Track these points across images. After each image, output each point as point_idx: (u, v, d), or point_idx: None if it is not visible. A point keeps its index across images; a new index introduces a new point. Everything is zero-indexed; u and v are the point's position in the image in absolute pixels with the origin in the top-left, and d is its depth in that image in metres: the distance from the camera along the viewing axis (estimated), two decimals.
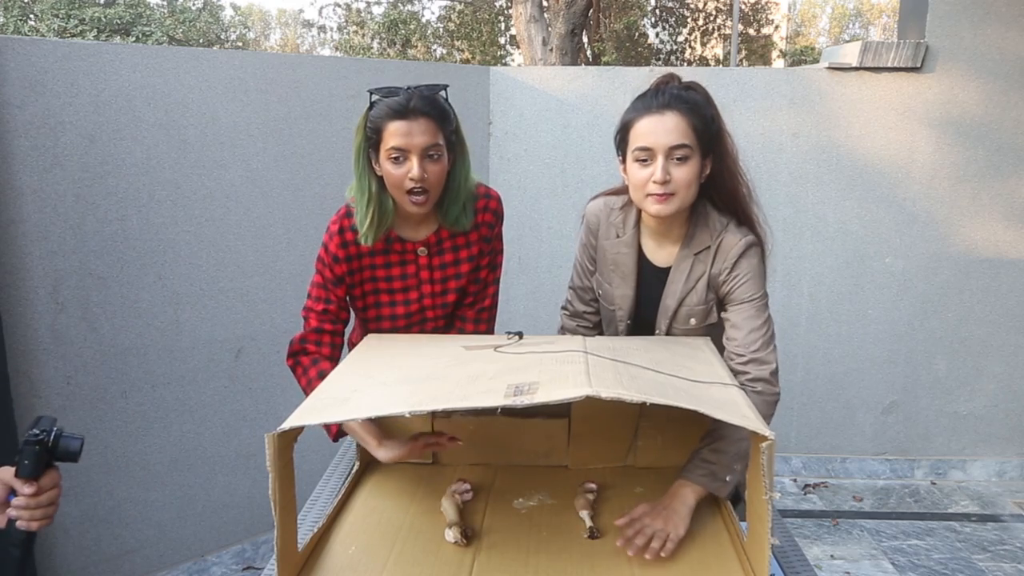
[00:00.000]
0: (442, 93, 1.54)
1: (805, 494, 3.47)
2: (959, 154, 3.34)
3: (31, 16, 16.96)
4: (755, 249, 1.49)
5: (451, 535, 1.23)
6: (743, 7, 15.14)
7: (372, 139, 1.51)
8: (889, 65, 3.26)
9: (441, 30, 15.71)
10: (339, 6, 15.41)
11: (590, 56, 13.35)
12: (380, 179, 1.54)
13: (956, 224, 3.40)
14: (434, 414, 1.50)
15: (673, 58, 15.26)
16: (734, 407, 1.08)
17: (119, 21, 17.07)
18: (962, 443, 3.56)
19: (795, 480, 3.58)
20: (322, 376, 1.53)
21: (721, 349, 1.47)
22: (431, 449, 1.46)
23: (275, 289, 2.83)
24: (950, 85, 3.29)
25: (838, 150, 3.37)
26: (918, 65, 3.26)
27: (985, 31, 3.25)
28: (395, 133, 1.47)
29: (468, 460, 1.53)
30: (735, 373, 1.42)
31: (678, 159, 1.41)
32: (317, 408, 1.10)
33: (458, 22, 14.97)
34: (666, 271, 1.55)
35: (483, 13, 14.35)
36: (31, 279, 2.32)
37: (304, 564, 1.17)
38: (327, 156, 2.89)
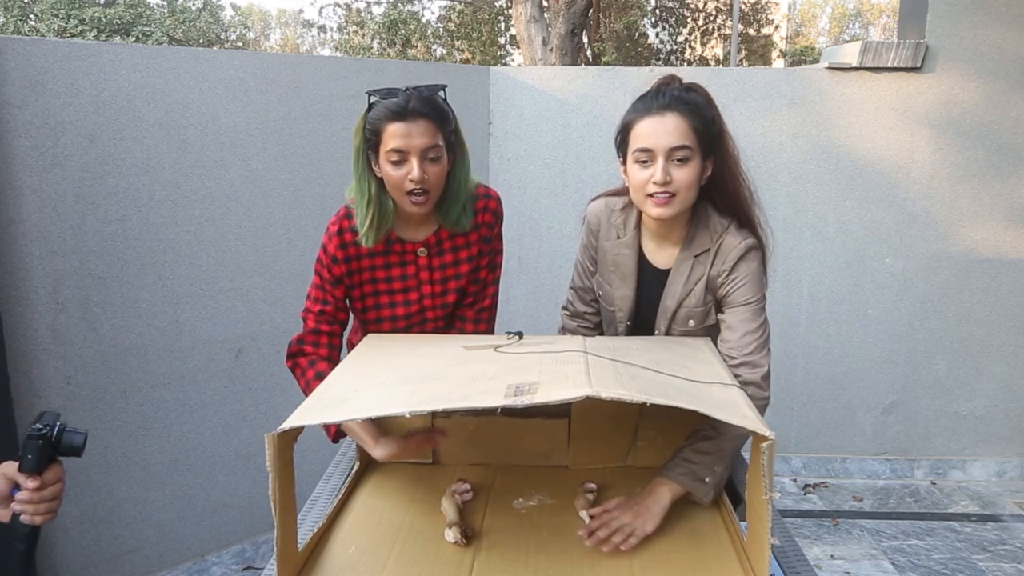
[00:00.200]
0: (441, 94, 1.54)
1: (805, 494, 3.47)
2: (959, 154, 3.34)
3: (31, 16, 16.96)
4: (755, 252, 1.48)
5: (451, 535, 1.23)
6: (743, 7, 15.14)
7: (371, 141, 1.51)
8: (889, 65, 3.26)
9: (441, 30, 15.72)
10: (339, 6, 15.41)
11: (590, 56, 13.35)
12: (380, 180, 1.54)
13: (956, 224, 3.40)
14: (434, 414, 1.50)
15: (673, 58, 15.26)
16: (734, 407, 1.08)
17: (119, 21, 17.07)
18: (962, 443, 3.56)
19: (795, 480, 3.58)
20: (320, 377, 1.53)
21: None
22: (426, 445, 1.47)
23: (275, 289, 2.83)
24: (950, 85, 3.29)
25: (838, 150, 3.37)
26: (918, 65, 3.26)
27: (985, 31, 3.25)
28: (394, 135, 1.46)
29: (468, 460, 1.53)
30: None
31: (678, 160, 1.41)
32: (317, 408, 1.10)
33: (458, 22, 14.97)
34: (666, 272, 1.55)
35: (483, 13, 14.35)
36: (31, 279, 2.32)
37: (304, 564, 1.17)
38: (327, 156, 2.89)
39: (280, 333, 2.84)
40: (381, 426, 1.50)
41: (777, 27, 19.83)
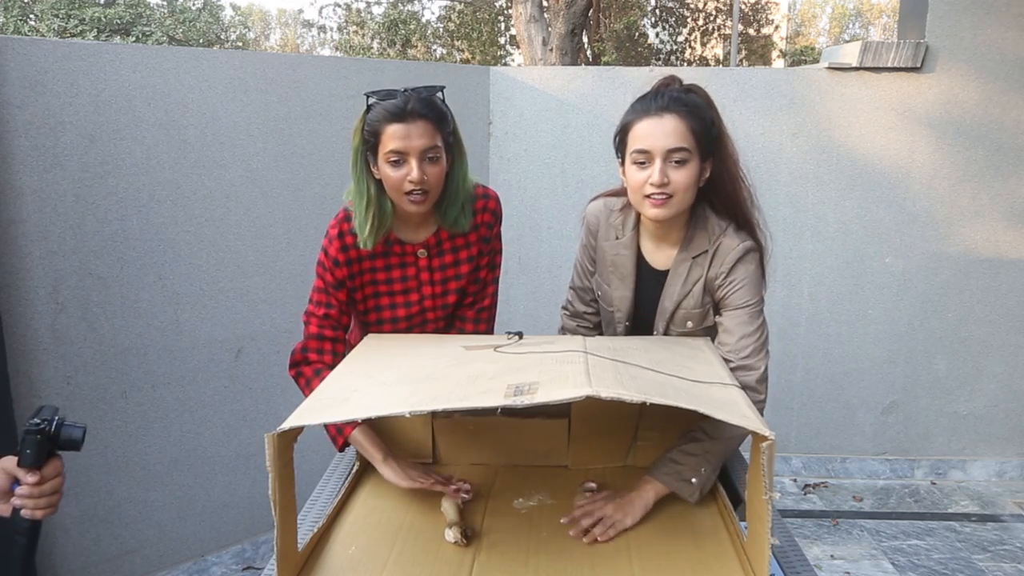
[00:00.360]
0: (439, 94, 1.54)
1: (805, 494, 3.47)
2: (959, 154, 3.34)
3: (31, 16, 16.96)
4: (752, 255, 1.48)
5: (451, 535, 1.23)
6: (743, 7, 15.14)
7: (370, 142, 1.51)
8: (889, 65, 3.26)
9: (441, 30, 15.71)
10: (339, 6, 15.41)
11: (590, 56, 13.35)
12: (378, 182, 1.54)
13: (956, 224, 3.40)
14: (434, 414, 1.50)
15: (673, 58, 15.26)
16: (734, 407, 1.08)
17: (119, 21, 17.07)
18: (962, 443, 3.56)
19: (795, 480, 3.58)
20: None
21: None
22: (437, 489, 1.39)
23: (275, 289, 2.83)
24: (950, 85, 3.29)
25: (838, 150, 3.37)
26: (918, 65, 3.26)
27: (985, 31, 3.25)
28: (393, 136, 1.46)
29: (468, 460, 1.53)
30: None
31: (676, 162, 1.41)
32: (317, 408, 1.10)
33: (458, 22, 14.97)
34: (664, 273, 1.55)
35: (483, 13, 14.35)
36: (31, 279, 2.32)
37: (304, 564, 1.17)
38: (327, 156, 2.89)
39: (280, 333, 2.84)
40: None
41: (777, 27, 19.83)
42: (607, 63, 13.32)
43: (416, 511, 1.35)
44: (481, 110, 3.35)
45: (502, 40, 14.56)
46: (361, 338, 1.61)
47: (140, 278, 2.53)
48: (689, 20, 15.32)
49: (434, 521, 1.30)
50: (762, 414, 1.43)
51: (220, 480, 2.80)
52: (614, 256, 1.59)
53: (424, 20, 15.99)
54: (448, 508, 1.30)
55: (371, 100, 1.51)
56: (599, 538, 1.24)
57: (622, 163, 1.50)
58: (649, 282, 1.57)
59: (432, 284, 1.66)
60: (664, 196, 1.41)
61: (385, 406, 1.08)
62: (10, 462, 1.07)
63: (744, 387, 1.40)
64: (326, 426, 1.54)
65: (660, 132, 1.40)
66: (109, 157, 2.42)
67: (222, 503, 2.82)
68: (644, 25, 15.36)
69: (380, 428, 1.52)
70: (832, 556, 2.95)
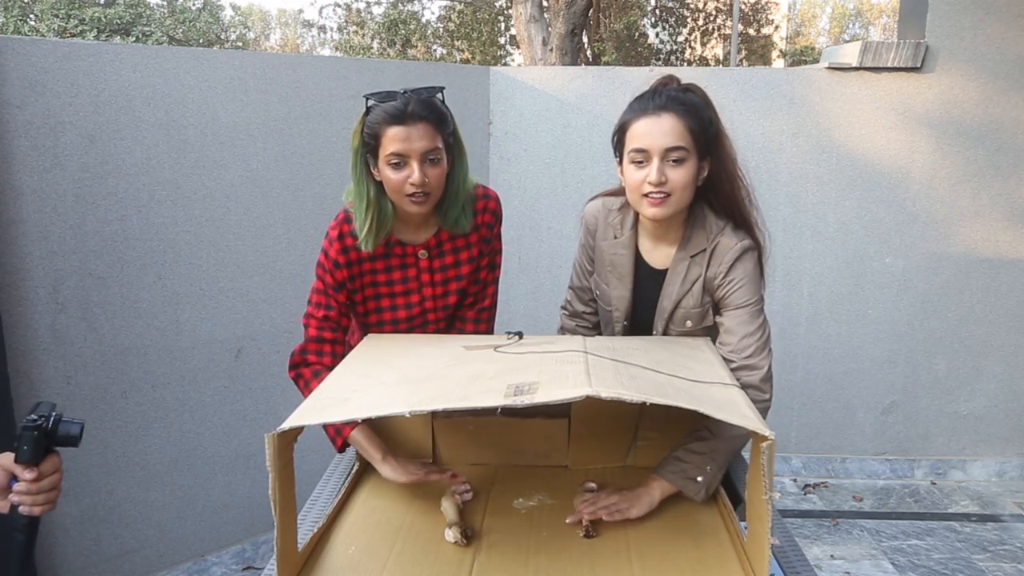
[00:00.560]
0: (439, 95, 1.54)
1: (805, 494, 3.47)
2: (959, 154, 3.34)
3: (31, 16, 16.96)
4: (751, 253, 1.48)
5: (451, 535, 1.23)
6: (743, 7, 15.14)
7: (370, 145, 1.50)
8: (889, 65, 3.26)
9: (441, 30, 15.71)
10: (339, 6, 15.40)
11: (590, 56, 13.34)
12: (378, 184, 1.54)
13: (956, 224, 3.40)
14: (434, 414, 1.50)
15: (673, 58, 15.26)
16: (734, 407, 1.09)
17: (119, 21, 17.08)
18: (962, 443, 3.56)
19: (795, 480, 3.58)
20: None
21: None
22: (437, 479, 1.42)
23: (275, 289, 2.84)
24: (950, 85, 3.29)
25: (838, 150, 3.37)
26: (918, 65, 3.26)
27: (985, 31, 3.25)
28: (394, 139, 1.46)
29: (468, 460, 1.53)
30: None
31: (674, 161, 1.41)
32: (317, 408, 1.10)
33: (458, 22, 14.96)
34: (663, 273, 1.55)
35: (483, 13, 14.34)
36: (31, 279, 2.32)
37: (304, 564, 1.17)
38: (327, 156, 2.89)
39: (280, 333, 2.84)
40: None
41: (777, 27, 19.83)
42: (607, 63, 13.32)
43: (416, 511, 1.35)
44: (481, 110, 3.35)
45: (502, 40, 14.56)
46: (360, 338, 1.61)
47: (140, 278, 2.53)
48: (689, 20, 15.32)
49: (434, 521, 1.30)
50: (767, 414, 1.44)
51: (220, 480, 2.80)
52: (612, 256, 1.59)
53: (424, 20, 15.99)
54: (448, 508, 1.30)
55: (370, 102, 1.50)
56: (604, 516, 1.26)
57: (620, 162, 1.50)
58: (647, 281, 1.57)
59: (433, 285, 1.66)
60: (662, 195, 1.41)
61: (385, 406, 1.08)
62: (7, 458, 1.06)
63: (748, 387, 1.41)
64: (325, 427, 1.54)
65: (658, 131, 1.40)
66: (109, 157, 2.42)
67: (222, 503, 2.82)
68: (644, 25, 15.35)
69: (380, 428, 1.52)
70: (832, 556, 2.95)
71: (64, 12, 16.38)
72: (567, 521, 1.28)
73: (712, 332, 1.54)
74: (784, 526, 1.44)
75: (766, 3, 16.67)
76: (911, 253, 3.42)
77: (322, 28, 16.38)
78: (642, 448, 1.50)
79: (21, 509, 1.05)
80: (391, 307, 1.66)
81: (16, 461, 1.05)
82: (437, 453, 1.54)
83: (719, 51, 16.54)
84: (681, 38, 15.32)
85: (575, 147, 3.40)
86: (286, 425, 1.02)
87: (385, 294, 1.65)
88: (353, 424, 1.49)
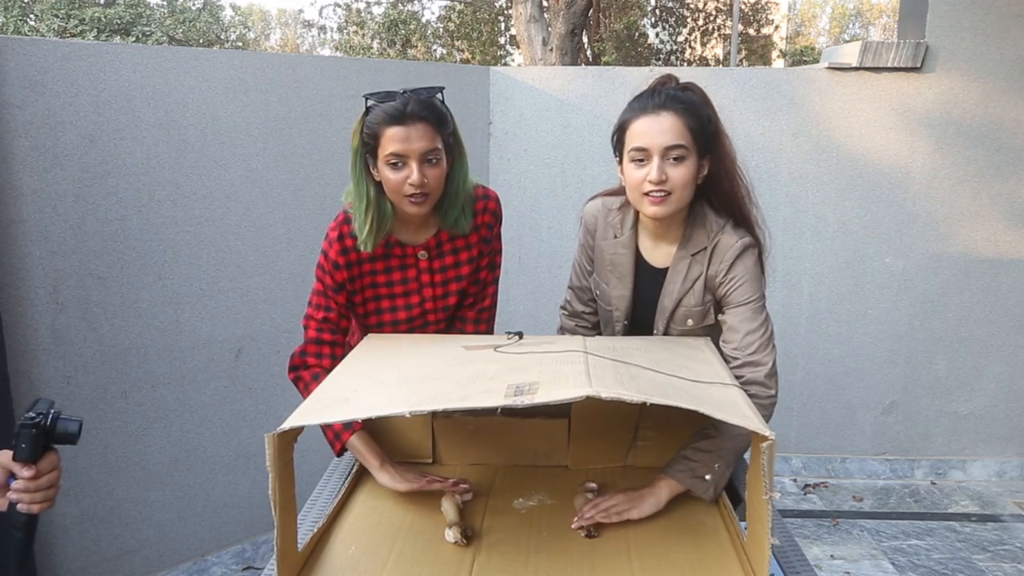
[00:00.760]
0: (439, 96, 1.54)
1: (805, 494, 3.47)
2: (959, 154, 3.34)
3: (31, 16, 16.96)
4: (751, 251, 1.48)
5: (451, 535, 1.23)
6: (743, 7, 15.14)
7: (369, 145, 1.50)
8: (889, 65, 3.26)
9: (441, 30, 15.71)
10: (339, 6, 15.40)
11: (590, 56, 13.34)
12: (378, 184, 1.53)
13: (956, 224, 3.40)
14: (434, 414, 1.50)
15: (673, 58, 15.26)
16: (734, 407, 1.08)
17: (119, 21, 17.08)
18: (962, 443, 3.56)
19: (795, 480, 3.58)
20: None
21: (719, 350, 1.47)
22: (435, 487, 1.40)
23: (275, 289, 2.83)
24: (950, 85, 3.29)
25: (838, 150, 3.37)
26: (918, 65, 3.26)
27: (985, 31, 3.25)
28: (393, 139, 1.46)
29: (468, 460, 1.53)
30: None
31: (674, 159, 1.41)
32: (317, 408, 1.10)
33: (458, 22, 14.96)
34: (663, 272, 1.55)
35: (483, 13, 14.34)
36: (31, 279, 2.32)
37: (304, 564, 1.17)
38: (327, 156, 2.89)
39: (280, 333, 2.84)
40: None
41: (777, 27, 19.83)
42: (607, 63, 13.32)
43: (416, 511, 1.35)
44: (481, 110, 3.35)
45: (502, 40, 14.56)
46: (360, 339, 1.60)
47: (140, 278, 2.53)
48: (689, 20, 15.32)
49: (434, 521, 1.30)
50: (773, 410, 1.44)
51: (220, 480, 2.80)
52: (612, 255, 1.59)
53: (424, 20, 15.98)
54: (448, 508, 1.30)
55: (370, 102, 1.50)
56: (600, 519, 1.26)
57: (620, 161, 1.50)
58: (648, 281, 1.58)
59: (433, 286, 1.66)
60: (663, 193, 1.41)
61: (385, 406, 1.08)
62: (5, 456, 1.06)
63: (753, 383, 1.41)
64: (324, 431, 1.54)
65: (657, 130, 1.41)
66: (109, 157, 2.42)
67: (222, 503, 2.82)
68: (644, 25, 15.35)
69: (380, 428, 1.52)
70: (832, 556, 2.95)
71: (64, 12, 16.38)
72: (572, 526, 1.27)
73: (712, 331, 1.54)
74: (784, 526, 1.44)
75: (766, 3, 16.67)
76: (911, 253, 3.42)
77: (322, 28, 16.39)
78: (642, 448, 1.50)
79: (19, 507, 1.05)
80: (391, 308, 1.66)
81: (14, 459, 1.04)
82: (437, 453, 1.54)
83: (719, 51, 16.54)
84: (681, 38, 15.32)
85: (575, 147, 3.40)
86: (286, 425, 1.02)
87: (385, 295, 1.65)
88: (352, 430, 1.49)
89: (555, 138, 3.40)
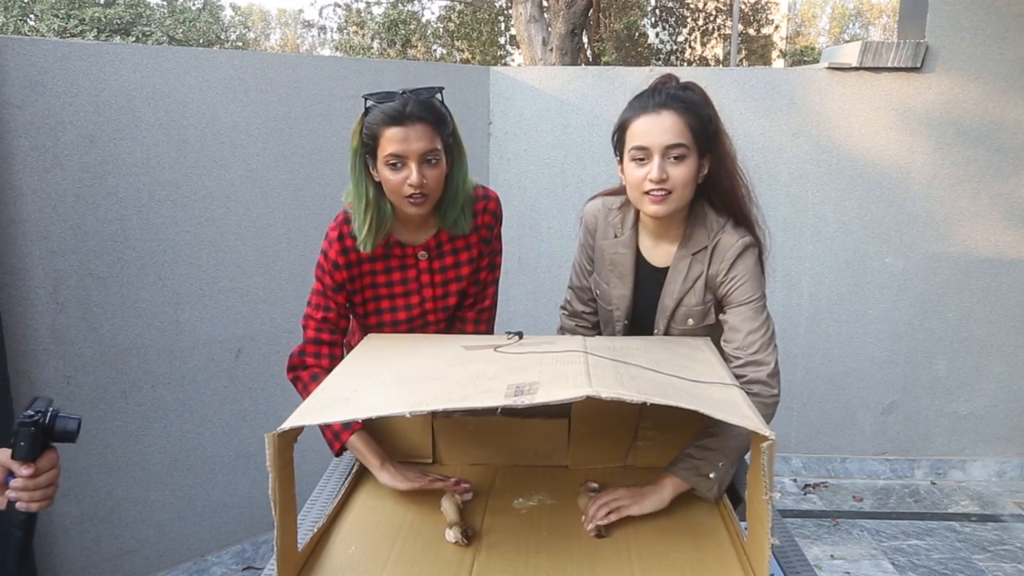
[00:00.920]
0: (438, 96, 1.54)
1: (805, 494, 3.47)
2: (959, 154, 3.34)
3: (31, 16, 16.96)
4: (752, 250, 1.48)
5: (452, 535, 1.23)
6: (743, 7, 15.14)
7: (369, 145, 1.50)
8: (889, 65, 3.26)
9: (441, 30, 15.71)
10: (339, 6, 15.40)
11: (590, 56, 13.34)
12: (377, 184, 1.53)
13: (956, 224, 3.40)
14: (434, 414, 1.50)
15: (673, 58, 15.26)
16: (734, 407, 1.08)
17: (119, 21, 17.08)
18: (962, 443, 3.56)
19: (795, 480, 3.58)
20: None
21: (720, 350, 1.47)
22: (437, 487, 1.40)
23: (275, 289, 2.83)
24: (950, 85, 3.29)
25: (838, 150, 3.37)
26: (918, 65, 3.26)
27: (985, 31, 3.25)
28: (392, 139, 1.45)
29: (468, 460, 1.53)
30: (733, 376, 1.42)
31: (675, 158, 1.41)
32: (317, 408, 1.10)
33: (458, 22, 14.96)
34: (664, 271, 1.55)
35: (483, 13, 14.34)
36: (31, 279, 2.32)
37: (304, 564, 1.17)
38: (327, 156, 2.89)
39: (280, 333, 2.84)
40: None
41: (777, 27, 19.83)
42: (607, 63, 13.32)
43: (416, 511, 1.35)
44: (481, 110, 3.35)
45: (502, 40, 14.56)
46: (360, 339, 1.60)
47: (140, 278, 2.53)
48: (689, 20, 15.32)
49: (434, 521, 1.30)
50: (776, 409, 1.44)
51: (220, 480, 2.80)
52: (613, 255, 1.59)
53: (424, 20, 15.98)
54: (448, 508, 1.30)
55: (369, 103, 1.50)
56: (599, 519, 1.26)
57: (620, 161, 1.50)
58: (648, 280, 1.58)
59: (433, 286, 1.66)
60: (663, 192, 1.42)
61: (385, 406, 1.08)
62: (4, 455, 1.05)
63: (756, 382, 1.41)
64: (323, 431, 1.54)
65: (658, 128, 1.41)
66: (109, 157, 2.42)
67: (222, 503, 2.82)
68: (644, 25, 15.35)
69: (380, 428, 1.52)
70: (832, 556, 2.95)
71: (64, 12, 16.38)
72: (587, 528, 1.27)
73: (713, 331, 1.54)
74: (784, 526, 1.44)
75: (766, 3, 16.67)
76: (911, 253, 3.42)
77: (322, 28, 16.39)
78: (642, 448, 1.50)
79: (18, 505, 1.05)
80: (391, 308, 1.66)
81: (13, 457, 1.04)
82: (437, 453, 1.54)
83: (719, 51, 16.54)
84: (681, 38, 15.32)
85: (575, 147, 3.39)
86: (286, 425, 1.02)
87: (385, 295, 1.65)
88: (351, 430, 1.49)
89: (555, 138, 3.40)
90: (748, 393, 1.39)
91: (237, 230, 2.72)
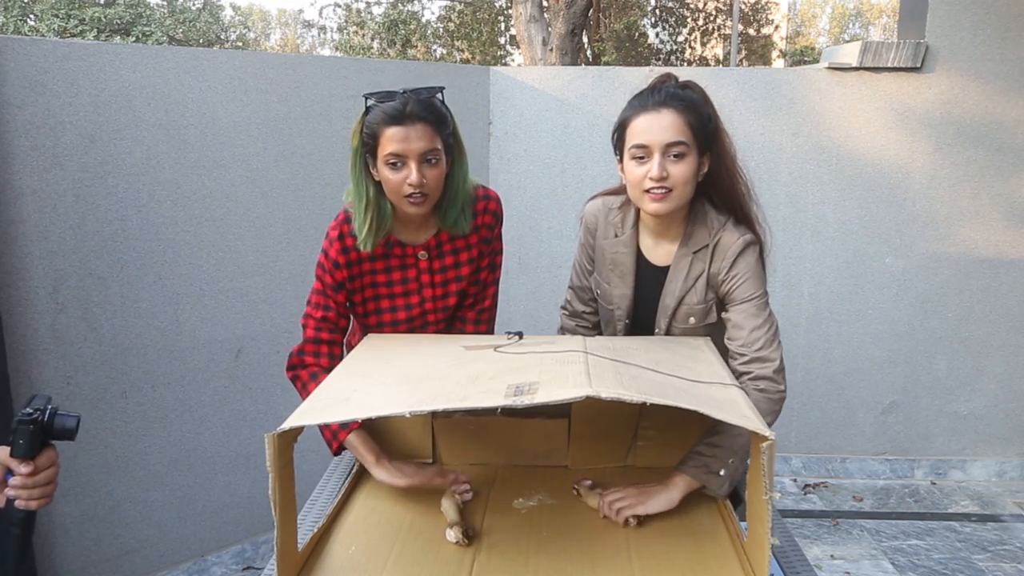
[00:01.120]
0: (439, 95, 1.54)
1: (805, 494, 3.47)
2: (959, 154, 3.34)
3: (31, 16, 16.96)
4: (753, 247, 1.49)
5: (453, 535, 1.23)
6: (743, 7, 15.14)
7: (369, 145, 1.50)
8: (889, 65, 3.26)
9: (441, 30, 15.71)
10: (339, 6, 15.40)
11: (590, 56, 13.34)
12: (377, 184, 1.53)
13: (956, 224, 3.40)
14: (434, 414, 1.50)
15: (673, 58, 15.26)
16: (734, 407, 1.08)
17: (119, 21, 17.08)
18: (962, 443, 3.56)
19: (795, 480, 3.58)
20: None
21: (721, 349, 1.47)
22: (436, 483, 1.41)
23: (275, 289, 2.83)
24: (950, 85, 3.29)
25: (838, 150, 3.37)
26: (918, 65, 3.26)
27: (985, 31, 3.25)
28: (392, 139, 1.46)
29: (468, 460, 1.53)
30: (739, 373, 1.42)
31: (675, 156, 1.41)
32: (317, 408, 1.10)
33: (458, 22, 14.96)
34: (664, 270, 1.55)
35: (483, 13, 14.35)
36: (31, 279, 2.32)
37: (304, 564, 1.17)
38: (327, 156, 2.89)
39: (280, 333, 2.84)
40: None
41: (777, 27, 19.84)
42: (607, 63, 13.32)
43: (416, 511, 1.35)
44: (481, 110, 3.35)
45: (502, 40, 14.56)
46: (360, 339, 1.60)
47: (140, 278, 2.53)
48: (689, 20, 15.32)
49: (434, 521, 1.30)
50: (782, 405, 1.44)
51: (220, 480, 2.80)
52: (614, 254, 1.59)
53: (424, 20, 15.98)
54: (448, 508, 1.30)
55: (369, 102, 1.50)
56: (617, 519, 1.27)
57: (620, 160, 1.50)
58: (649, 279, 1.58)
59: (433, 286, 1.66)
60: (664, 190, 1.42)
61: (385, 406, 1.08)
62: (3, 452, 1.05)
63: (762, 379, 1.41)
64: (321, 430, 1.54)
65: (658, 126, 1.41)
66: (109, 157, 2.42)
67: (222, 503, 2.82)
68: (644, 25, 15.35)
69: (379, 428, 1.52)
70: (832, 556, 2.95)
71: (64, 12, 16.38)
72: (620, 522, 1.28)
73: (714, 330, 1.54)
74: (784, 526, 1.44)
75: (766, 3, 16.67)
76: (911, 253, 3.42)
77: (322, 28, 16.39)
78: (642, 448, 1.50)
79: (17, 503, 1.05)
80: (391, 308, 1.66)
81: (12, 455, 1.04)
82: (437, 453, 1.54)
83: (719, 51, 16.54)
84: (681, 38, 15.32)
85: (575, 147, 3.40)
86: (286, 425, 1.02)
87: (385, 295, 1.65)
88: (349, 429, 1.49)
89: (555, 138, 3.40)
90: (755, 390, 1.40)
91: (237, 230, 2.72)
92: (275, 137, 2.77)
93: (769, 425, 1.42)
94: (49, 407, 1.05)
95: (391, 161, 1.47)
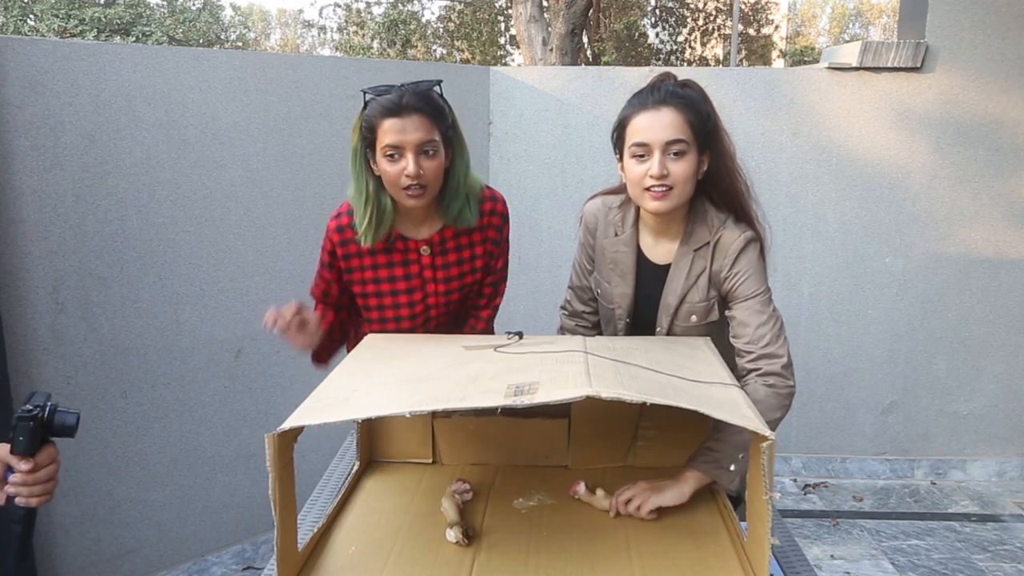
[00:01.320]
0: (436, 89, 1.54)
1: (805, 494, 3.47)
2: (959, 154, 3.34)
3: (31, 16, 16.95)
4: (754, 244, 1.49)
5: (453, 535, 1.23)
6: (743, 7, 15.14)
7: (368, 138, 1.51)
8: (889, 65, 3.26)
9: (441, 30, 15.71)
10: (339, 6, 15.40)
11: (590, 56, 13.34)
12: (378, 179, 1.54)
13: (956, 224, 3.40)
14: (434, 414, 1.50)
15: (673, 58, 15.26)
16: (734, 407, 1.08)
17: (119, 21, 17.08)
18: (962, 443, 3.56)
19: (795, 480, 3.58)
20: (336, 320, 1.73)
21: (722, 348, 1.47)
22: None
23: (275, 289, 2.83)
24: (950, 85, 3.29)
25: (838, 150, 3.37)
26: (918, 65, 3.26)
27: (985, 31, 3.25)
28: (389, 131, 1.47)
29: (468, 460, 1.53)
30: (747, 370, 1.43)
31: (675, 154, 1.42)
32: (317, 408, 1.10)
33: (458, 22, 14.96)
34: (665, 268, 1.55)
35: (483, 13, 14.34)
36: (31, 279, 2.32)
37: (304, 564, 1.17)
38: (327, 156, 2.89)
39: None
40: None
41: (777, 27, 19.83)
42: (607, 63, 13.32)
43: (416, 511, 1.35)
44: (481, 110, 3.35)
45: (502, 40, 14.56)
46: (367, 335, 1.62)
47: (140, 278, 2.53)
48: (689, 20, 15.32)
49: (434, 521, 1.30)
50: (792, 401, 1.44)
51: (220, 480, 2.80)
52: (614, 253, 1.59)
53: (424, 20, 15.98)
54: (448, 508, 1.30)
55: (367, 96, 1.51)
56: (620, 510, 1.28)
57: (620, 158, 1.50)
58: (650, 278, 1.58)
59: (435, 282, 1.66)
60: (664, 188, 1.42)
61: (385, 406, 1.08)
62: (3, 450, 1.05)
63: (771, 375, 1.42)
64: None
65: (658, 125, 1.41)
66: (109, 157, 2.42)
67: (222, 503, 2.82)
68: (644, 25, 15.35)
69: (380, 428, 1.52)
70: (832, 556, 2.95)
71: (64, 12, 16.38)
72: (643, 515, 1.29)
73: (715, 329, 1.54)
74: (784, 526, 1.44)
75: (766, 3, 16.67)
76: (911, 253, 3.42)
77: (322, 28, 16.38)
78: (642, 448, 1.50)
79: (18, 500, 1.05)
80: (393, 304, 1.66)
81: (12, 452, 1.03)
82: (437, 453, 1.54)
83: (719, 51, 16.54)
84: (681, 38, 15.32)
85: (575, 147, 3.39)
86: (286, 425, 1.02)
87: (387, 291, 1.65)
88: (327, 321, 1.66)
89: (555, 138, 3.40)
90: (764, 386, 1.40)
91: (237, 230, 2.72)
92: (275, 137, 2.77)
93: (780, 420, 1.43)
94: (49, 404, 1.05)
95: (389, 153, 1.48)
